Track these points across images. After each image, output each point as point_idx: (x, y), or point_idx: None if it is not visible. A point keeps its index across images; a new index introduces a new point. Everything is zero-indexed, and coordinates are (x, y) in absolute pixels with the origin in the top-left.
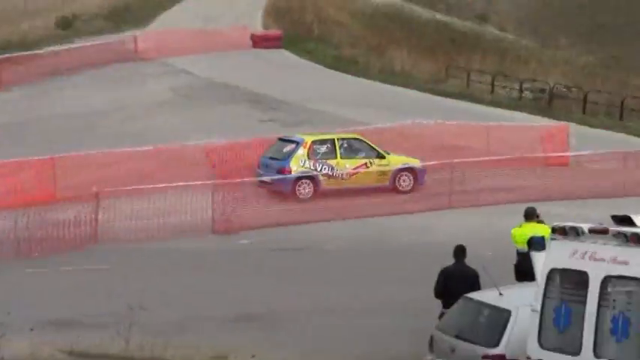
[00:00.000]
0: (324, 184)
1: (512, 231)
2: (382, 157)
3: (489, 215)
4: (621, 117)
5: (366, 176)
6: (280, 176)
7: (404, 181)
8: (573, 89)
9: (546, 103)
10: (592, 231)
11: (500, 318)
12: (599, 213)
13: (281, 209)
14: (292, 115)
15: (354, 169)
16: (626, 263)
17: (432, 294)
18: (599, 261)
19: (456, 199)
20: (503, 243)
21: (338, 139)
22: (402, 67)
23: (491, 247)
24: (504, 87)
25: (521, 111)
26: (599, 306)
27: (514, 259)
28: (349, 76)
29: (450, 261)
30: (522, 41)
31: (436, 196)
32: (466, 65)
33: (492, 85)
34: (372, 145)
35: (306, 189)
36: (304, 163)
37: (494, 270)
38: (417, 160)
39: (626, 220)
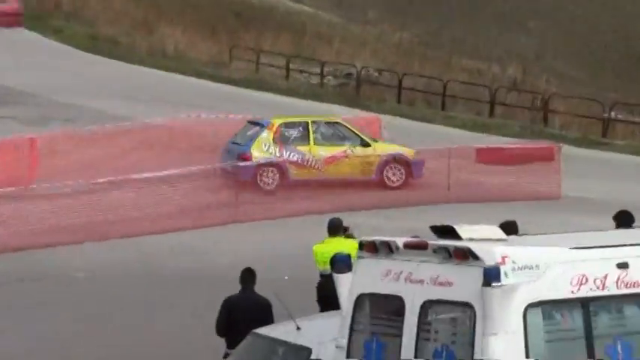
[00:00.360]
0: (294, 174)
1: (314, 248)
2: (367, 144)
3: (286, 229)
4: (443, 106)
5: (346, 166)
6: (239, 163)
7: (393, 174)
8: (385, 73)
9: (353, 91)
10: (408, 246)
11: (299, 357)
12: (419, 223)
13: (10, 232)
14: (35, 110)
15: (330, 157)
16: (449, 284)
17: (214, 330)
18: (418, 283)
19: (244, 210)
20: (303, 263)
21: (312, 123)
22: (175, 48)
23: (288, 268)
24: (302, 72)
25: (322, 100)
26: (418, 338)
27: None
28: (109, 60)
29: (235, 288)
30: (323, 15)
31: (220, 207)
32: (255, 45)
33: (287, 69)
34: (356, 130)
35: (269, 179)
36: (268, 149)
37: (291, 298)
38: (410, 149)
39: (449, 232)
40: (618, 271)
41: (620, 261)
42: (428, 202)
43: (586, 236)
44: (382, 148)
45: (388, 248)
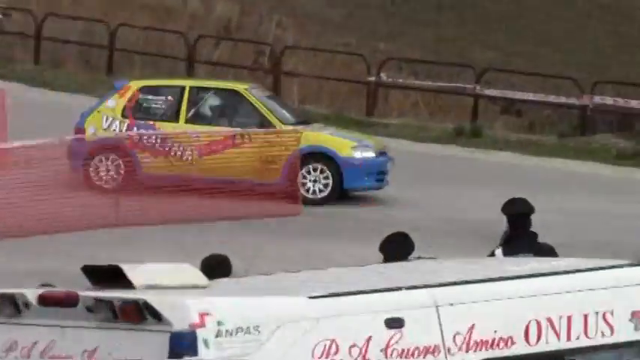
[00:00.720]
0: (148, 168)
1: None
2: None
3: None
4: (110, 68)
5: (235, 161)
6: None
7: (314, 179)
8: (15, 15)
9: None
10: (46, 301)
11: None
12: (56, 262)
13: None
14: None
15: (210, 144)
16: None
17: None
18: None
19: None
20: None
21: (192, 89)
22: None
23: None
24: None
25: None
26: None
27: None
28: None
29: None
30: None
31: None
32: None
33: None
34: (260, 106)
35: (110, 171)
36: (110, 124)
37: None
38: (348, 141)
39: (114, 276)
40: (388, 332)
41: (391, 315)
42: (86, 226)
43: (336, 276)
44: (298, 137)
45: (13, 306)
